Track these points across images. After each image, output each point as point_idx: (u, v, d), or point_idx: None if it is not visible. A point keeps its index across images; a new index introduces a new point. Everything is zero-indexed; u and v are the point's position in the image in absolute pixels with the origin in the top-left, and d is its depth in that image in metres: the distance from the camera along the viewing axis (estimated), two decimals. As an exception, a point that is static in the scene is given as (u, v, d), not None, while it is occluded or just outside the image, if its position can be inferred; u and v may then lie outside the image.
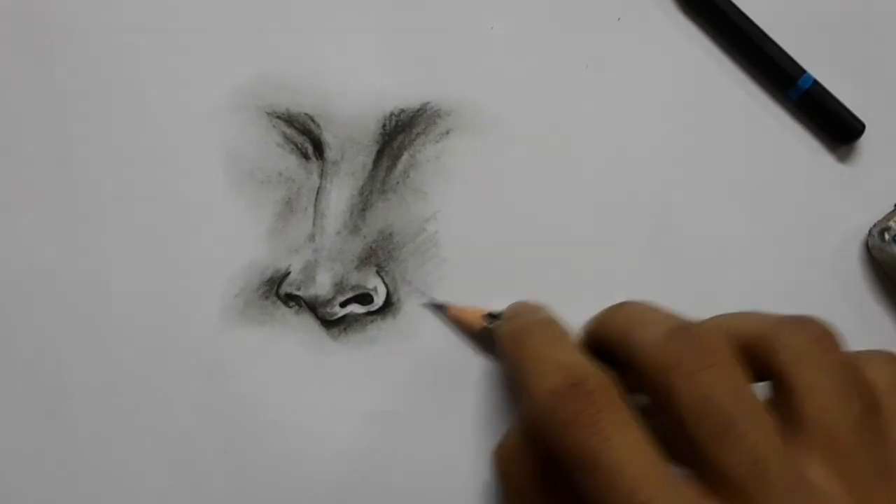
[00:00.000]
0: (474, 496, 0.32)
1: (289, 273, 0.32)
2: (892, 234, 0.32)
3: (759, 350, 0.27)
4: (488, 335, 0.31)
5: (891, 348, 0.33)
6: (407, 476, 0.32)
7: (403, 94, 0.33)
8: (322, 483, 0.32)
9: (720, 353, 0.26)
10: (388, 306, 0.32)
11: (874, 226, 0.33)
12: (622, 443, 0.25)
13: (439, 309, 0.32)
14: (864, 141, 0.34)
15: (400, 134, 0.33)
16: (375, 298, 0.32)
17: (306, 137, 0.33)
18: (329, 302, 0.32)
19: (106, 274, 0.32)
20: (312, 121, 0.33)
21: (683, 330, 0.27)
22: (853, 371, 0.26)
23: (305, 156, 0.33)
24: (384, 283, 0.32)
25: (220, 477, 0.32)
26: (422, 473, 0.32)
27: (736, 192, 0.34)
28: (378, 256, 0.33)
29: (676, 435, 0.26)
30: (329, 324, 0.32)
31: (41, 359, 0.32)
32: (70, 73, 0.33)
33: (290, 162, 0.33)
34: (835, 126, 0.34)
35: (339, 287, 0.32)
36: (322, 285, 0.32)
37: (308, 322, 0.32)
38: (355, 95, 0.33)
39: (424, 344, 0.32)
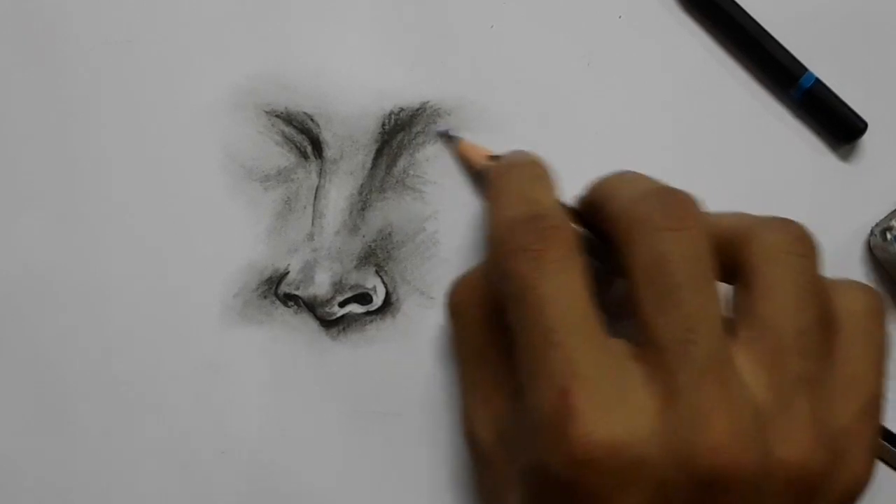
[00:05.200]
0: (474, 496, 0.32)
1: (287, 273, 0.32)
2: (895, 233, 0.32)
3: (733, 245, 0.26)
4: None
5: (893, 349, 0.32)
6: (406, 476, 0.32)
7: (403, 93, 0.33)
8: (320, 483, 0.32)
9: (690, 220, 0.25)
10: (388, 306, 0.32)
11: (876, 225, 0.33)
12: (557, 282, 0.24)
13: (450, 140, 0.32)
14: (867, 140, 0.34)
15: (399, 133, 0.33)
16: (374, 298, 0.32)
17: (305, 136, 0.33)
18: (328, 302, 0.32)
19: (104, 273, 0.32)
20: (311, 120, 0.33)
21: (662, 191, 0.26)
22: (818, 282, 0.26)
23: (304, 155, 0.33)
24: (383, 282, 0.32)
25: (218, 476, 0.32)
26: (421, 474, 0.32)
27: (737, 190, 0.33)
28: (377, 256, 0.32)
29: (628, 298, 0.25)
30: (328, 324, 0.32)
31: (39, 359, 0.32)
32: (68, 72, 0.33)
33: (289, 161, 0.33)
34: (837, 125, 0.33)
35: (338, 287, 0.32)
36: (321, 285, 0.32)
37: (307, 322, 0.32)
38: (354, 94, 0.33)
39: (424, 344, 0.32)
